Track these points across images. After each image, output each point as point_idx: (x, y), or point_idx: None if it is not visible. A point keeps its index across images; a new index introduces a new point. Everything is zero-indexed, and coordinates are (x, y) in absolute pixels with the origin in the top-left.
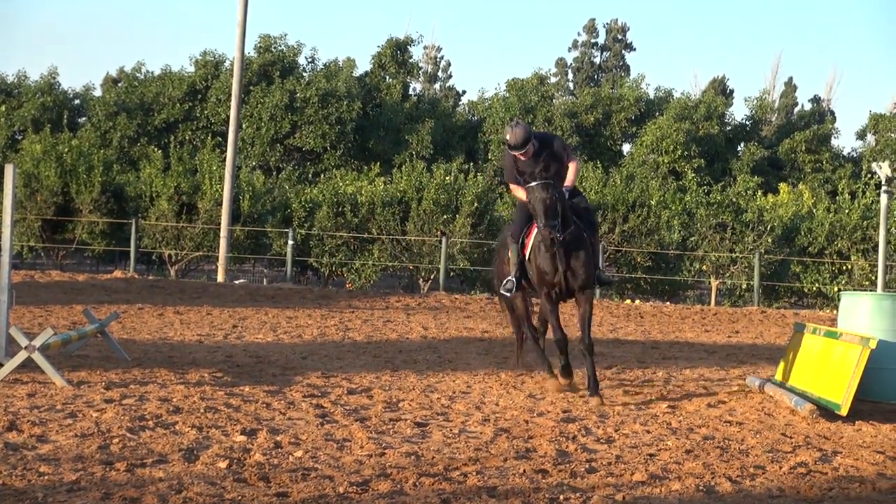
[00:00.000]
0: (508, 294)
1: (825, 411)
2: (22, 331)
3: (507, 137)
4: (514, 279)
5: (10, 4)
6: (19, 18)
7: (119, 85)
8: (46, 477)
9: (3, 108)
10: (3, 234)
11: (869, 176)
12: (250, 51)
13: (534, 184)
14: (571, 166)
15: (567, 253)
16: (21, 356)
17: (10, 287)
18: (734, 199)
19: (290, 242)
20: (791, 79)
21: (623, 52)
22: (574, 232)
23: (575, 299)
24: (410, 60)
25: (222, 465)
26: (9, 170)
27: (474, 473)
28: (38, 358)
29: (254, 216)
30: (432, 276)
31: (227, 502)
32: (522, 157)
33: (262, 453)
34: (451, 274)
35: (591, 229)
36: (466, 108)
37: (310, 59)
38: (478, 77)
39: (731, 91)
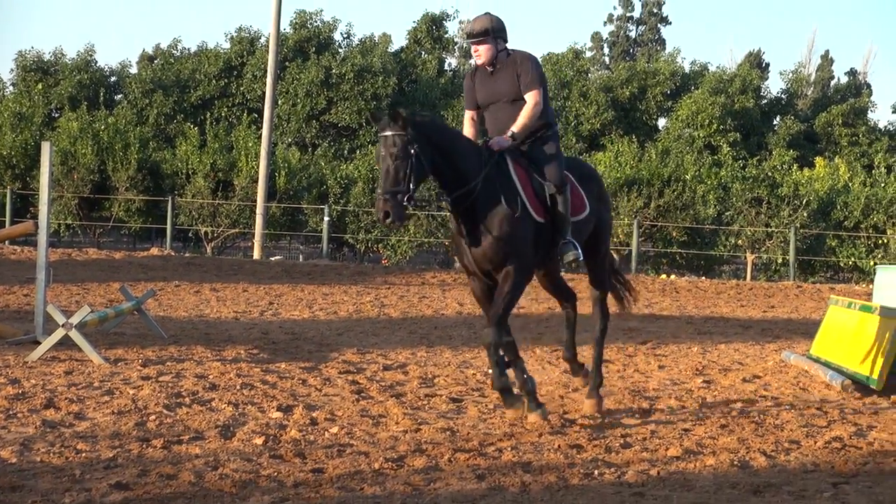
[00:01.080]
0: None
1: (860, 386)
2: (59, 308)
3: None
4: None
5: None
6: None
7: (155, 62)
8: (84, 454)
9: (40, 85)
10: (41, 212)
11: None
12: (286, 27)
13: (380, 135)
14: (529, 98)
15: (471, 222)
16: (58, 334)
17: (48, 265)
18: (770, 174)
19: (326, 219)
20: (827, 52)
21: (659, 25)
22: (480, 192)
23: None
24: (446, 36)
25: (258, 441)
26: (45, 147)
27: (509, 449)
28: (75, 335)
29: (290, 193)
30: None
31: (263, 479)
32: (480, 64)
33: (297, 430)
34: None
35: (563, 185)
36: None
37: (345, 35)
38: None
39: (767, 65)
